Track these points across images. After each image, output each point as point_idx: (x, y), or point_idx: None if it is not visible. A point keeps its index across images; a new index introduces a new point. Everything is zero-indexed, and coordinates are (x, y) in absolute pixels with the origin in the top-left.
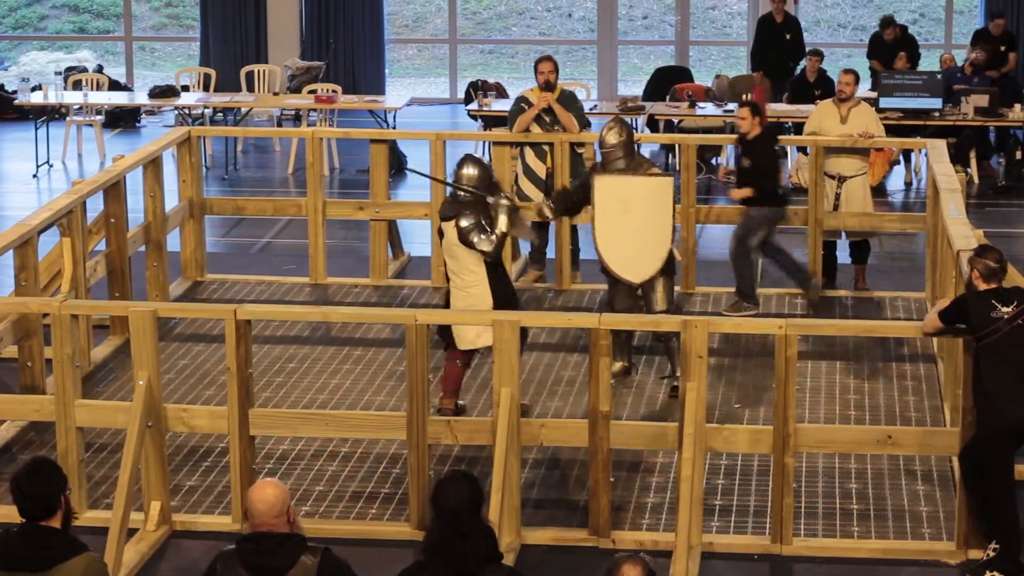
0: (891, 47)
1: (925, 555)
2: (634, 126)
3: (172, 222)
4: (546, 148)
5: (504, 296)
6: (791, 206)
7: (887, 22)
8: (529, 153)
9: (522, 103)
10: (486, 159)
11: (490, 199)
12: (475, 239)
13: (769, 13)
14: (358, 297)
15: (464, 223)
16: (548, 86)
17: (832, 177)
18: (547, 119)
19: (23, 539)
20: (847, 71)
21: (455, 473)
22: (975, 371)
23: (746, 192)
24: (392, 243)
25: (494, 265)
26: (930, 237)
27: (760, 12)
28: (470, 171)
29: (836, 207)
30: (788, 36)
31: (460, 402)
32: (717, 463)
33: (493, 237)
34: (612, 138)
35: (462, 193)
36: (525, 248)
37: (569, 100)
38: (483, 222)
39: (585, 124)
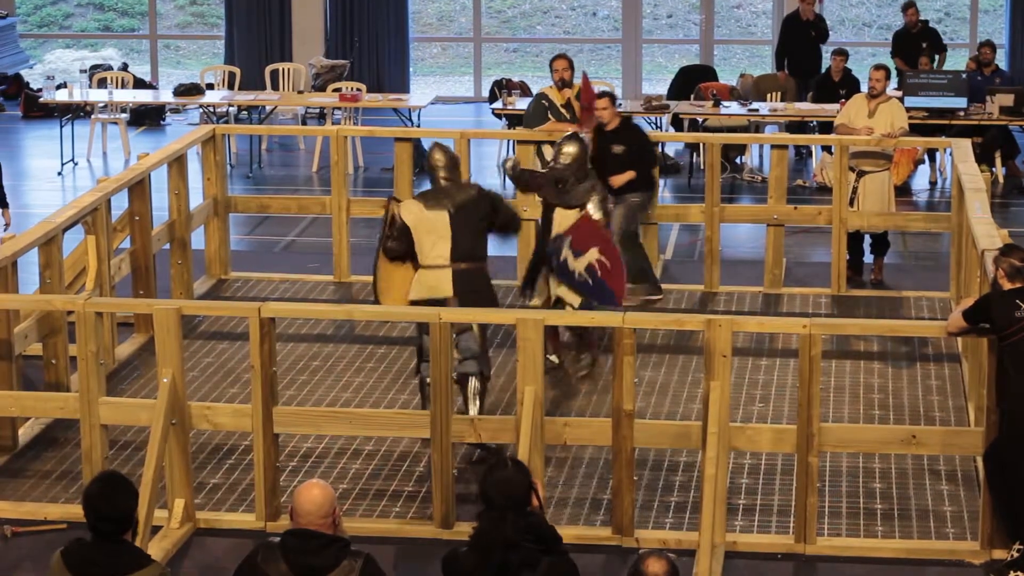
0: (914, 39)
1: (949, 555)
2: (658, 125)
3: (196, 220)
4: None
5: None
6: (816, 205)
7: (908, 4)
8: (547, 147)
9: (541, 100)
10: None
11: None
12: None
13: (795, 11)
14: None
15: None
16: (564, 83)
17: (852, 171)
18: (567, 115)
19: (96, 548)
20: (878, 67)
21: (503, 461)
22: (999, 371)
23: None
24: None
25: None
26: (955, 236)
27: (785, 11)
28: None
29: (852, 201)
30: (814, 34)
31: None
32: (741, 462)
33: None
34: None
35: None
36: None
37: None
38: None
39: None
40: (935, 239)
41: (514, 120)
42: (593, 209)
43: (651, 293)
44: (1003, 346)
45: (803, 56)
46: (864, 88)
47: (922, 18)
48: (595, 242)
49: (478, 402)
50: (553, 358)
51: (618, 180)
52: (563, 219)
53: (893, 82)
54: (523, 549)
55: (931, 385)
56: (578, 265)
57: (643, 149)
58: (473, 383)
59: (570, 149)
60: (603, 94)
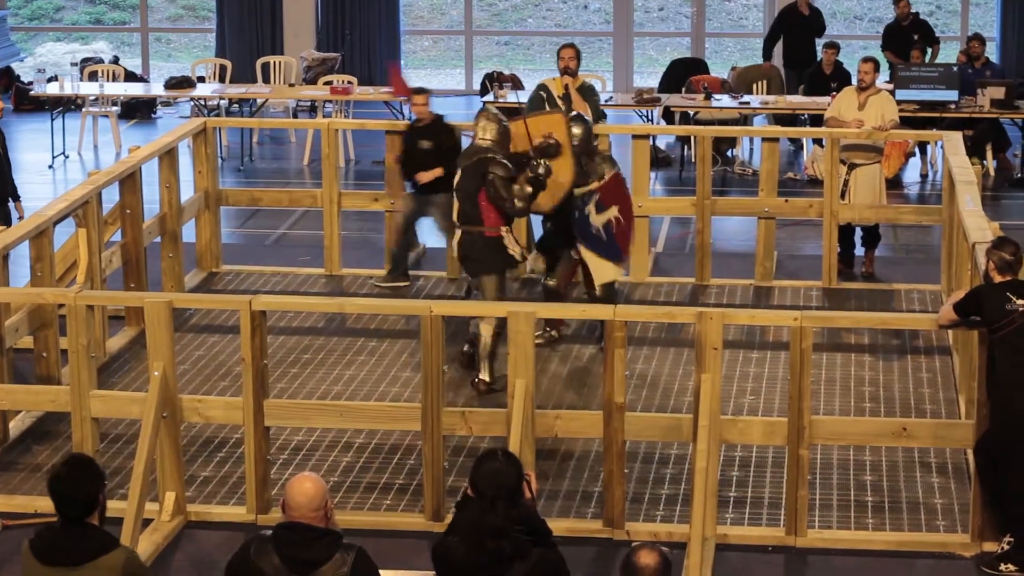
0: (905, 32)
1: (939, 547)
2: (650, 118)
3: (187, 213)
4: None
5: None
6: (807, 198)
7: None
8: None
9: (540, 91)
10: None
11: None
12: None
13: (793, 4)
14: (373, 288)
15: None
16: (568, 72)
17: (843, 164)
18: (564, 106)
19: (62, 533)
20: (866, 59)
21: (493, 452)
22: (989, 363)
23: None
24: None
25: None
26: (946, 229)
27: (777, 3)
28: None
29: (843, 194)
30: (813, 27)
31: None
32: (732, 455)
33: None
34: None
35: None
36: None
37: (588, 92)
38: None
39: (600, 116)
40: (926, 232)
41: (505, 113)
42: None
43: (398, 280)
44: (993, 339)
45: (799, 48)
46: (855, 81)
47: (913, 11)
48: (618, 200)
49: (486, 362)
50: (554, 333)
51: (425, 176)
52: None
53: (884, 75)
54: (515, 539)
55: (922, 378)
56: (598, 220)
57: (454, 147)
58: (483, 341)
59: (576, 130)
60: (421, 90)
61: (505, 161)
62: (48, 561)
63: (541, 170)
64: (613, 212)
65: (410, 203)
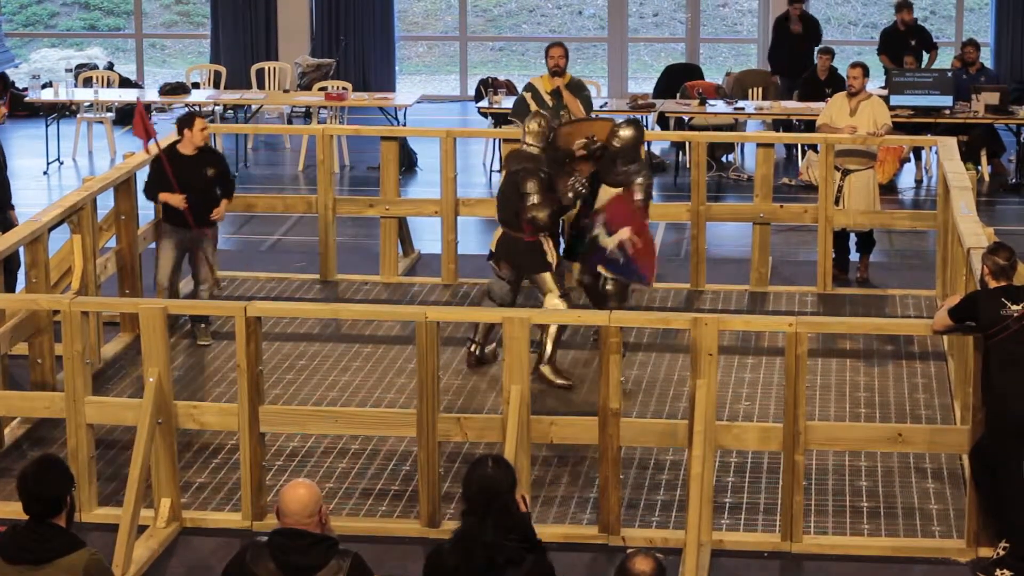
0: (902, 37)
1: (935, 553)
2: (644, 123)
3: None
4: None
5: None
6: (802, 204)
7: (903, 4)
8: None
9: (526, 90)
10: (497, 157)
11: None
12: None
13: (785, 12)
14: (368, 294)
15: None
16: (557, 71)
17: (837, 169)
18: (552, 102)
19: (27, 533)
20: (855, 65)
21: (483, 460)
22: (984, 368)
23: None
24: (402, 240)
25: None
26: (940, 235)
27: (772, 10)
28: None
29: (838, 200)
30: (803, 33)
31: None
32: (727, 460)
33: None
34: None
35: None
36: None
37: (577, 87)
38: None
39: (590, 111)
40: (921, 237)
41: (500, 119)
42: (636, 190)
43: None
44: (988, 344)
45: (793, 55)
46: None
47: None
48: (628, 221)
49: (550, 344)
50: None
51: (221, 213)
52: (605, 195)
53: (879, 80)
54: (506, 547)
55: (917, 383)
56: (609, 243)
57: (228, 172)
58: (552, 327)
59: (626, 133)
60: (198, 115)
61: (539, 174)
62: (12, 559)
63: (571, 194)
64: (624, 234)
65: (173, 238)
